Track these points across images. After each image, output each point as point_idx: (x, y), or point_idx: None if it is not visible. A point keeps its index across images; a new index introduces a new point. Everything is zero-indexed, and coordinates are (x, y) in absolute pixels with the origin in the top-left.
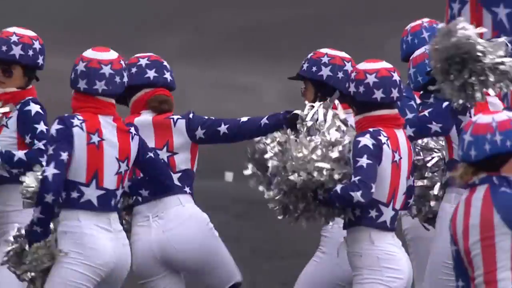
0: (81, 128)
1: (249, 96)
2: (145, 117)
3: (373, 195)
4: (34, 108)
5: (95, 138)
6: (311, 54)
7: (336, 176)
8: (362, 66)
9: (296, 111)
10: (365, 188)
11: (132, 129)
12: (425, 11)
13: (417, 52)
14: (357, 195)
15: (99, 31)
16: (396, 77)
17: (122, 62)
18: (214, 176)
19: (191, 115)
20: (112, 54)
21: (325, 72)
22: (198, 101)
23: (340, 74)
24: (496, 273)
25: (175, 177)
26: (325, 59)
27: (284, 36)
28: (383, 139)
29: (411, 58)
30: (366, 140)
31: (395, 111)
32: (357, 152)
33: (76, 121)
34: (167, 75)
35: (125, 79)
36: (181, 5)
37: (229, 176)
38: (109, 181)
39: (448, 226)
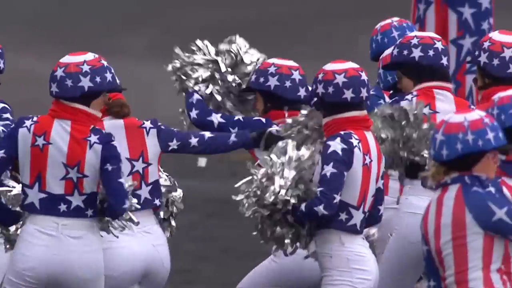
0: (28, 130)
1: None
2: (113, 122)
3: (342, 199)
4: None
5: (40, 141)
6: (259, 65)
7: (293, 200)
8: (330, 67)
9: (271, 129)
10: (327, 200)
11: (93, 138)
12: (395, 10)
13: (387, 52)
14: (320, 209)
15: (68, 31)
16: (364, 76)
17: (83, 66)
18: (185, 175)
19: (161, 125)
20: (77, 58)
21: (272, 82)
22: (168, 100)
23: (288, 83)
24: (467, 273)
25: (147, 190)
26: (271, 69)
27: (257, 35)
28: (355, 142)
29: (380, 57)
30: (336, 145)
31: (364, 112)
32: (325, 158)
33: (27, 123)
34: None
35: (83, 83)
36: (150, 4)
37: (202, 161)
38: (54, 185)
39: (420, 226)
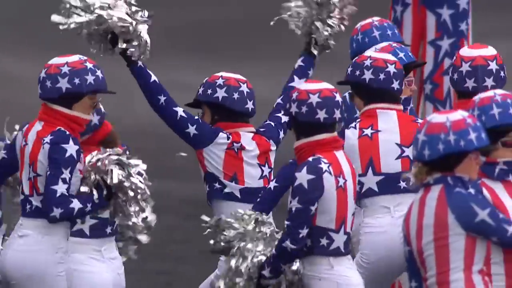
0: (21, 133)
1: (192, 95)
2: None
3: (320, 225)
4: None
5: (23, 142)
6: (207, 78)
7: (262, 258)
8: (304, 86)
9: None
10: (292, 234)
11: (48, 138)
12: (372, 11)
13: (367, 52)
14: (287, 244)
15: (43, 31)
16: (338, 98)
17: (63, 67)
18: (164, 177)
19: None
20: (60, 59)
21: (220, 93)
22: (142, 101)
23: (236, 95)
24: (449, 274)
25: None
26: (219, 81)
27: (228, 35)
28: (324, 167)
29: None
30: (302, 177)
31: (335, 134)
32: (292, 190)
33: (25, 127)
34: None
35: (61, 85)
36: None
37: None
38: (25, 186)
39: (402, 226)
